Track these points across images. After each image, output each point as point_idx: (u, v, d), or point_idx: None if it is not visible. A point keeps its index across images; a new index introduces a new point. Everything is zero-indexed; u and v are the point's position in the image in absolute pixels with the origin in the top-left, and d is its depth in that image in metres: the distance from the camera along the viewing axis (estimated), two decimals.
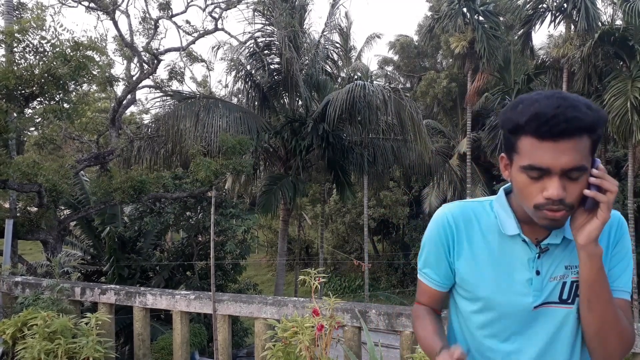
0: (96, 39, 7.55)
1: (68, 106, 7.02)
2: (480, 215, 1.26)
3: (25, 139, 12.15)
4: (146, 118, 20.51)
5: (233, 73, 14.74)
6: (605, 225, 1.08)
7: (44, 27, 6.74)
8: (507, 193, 1.25)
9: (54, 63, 6.61)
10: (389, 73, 28.83)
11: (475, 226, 1.26)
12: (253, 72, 15.08)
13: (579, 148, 1.02)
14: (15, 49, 6.75)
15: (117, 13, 10.94)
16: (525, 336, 1.23)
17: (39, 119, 8.37)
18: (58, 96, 6.99)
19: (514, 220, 1.20)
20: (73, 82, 7.09)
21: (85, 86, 10.59)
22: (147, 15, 11.94)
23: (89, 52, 7.02)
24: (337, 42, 18.77)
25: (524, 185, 1.09)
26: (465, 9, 18.83)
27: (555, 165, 1.03)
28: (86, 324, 4.08)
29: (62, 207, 10.82)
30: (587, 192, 1.06)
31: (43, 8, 8.18)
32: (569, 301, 1.19)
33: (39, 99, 7.02)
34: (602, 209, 1.06)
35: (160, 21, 11.86)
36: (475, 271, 1.25)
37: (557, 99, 1.03)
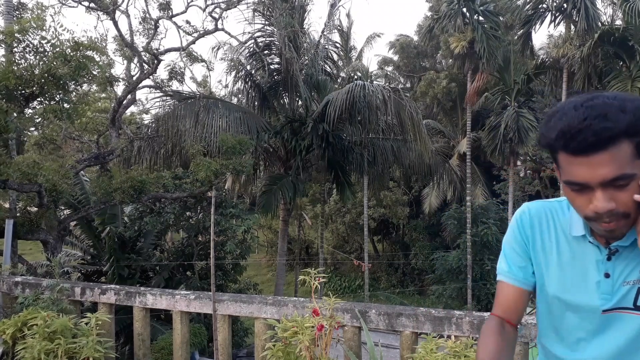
0: (96, 39, 7.58)
1: (68, 106, 7.02)
2: (556, 215, 1.25)
3: (25, 139, 12.16)
4: (146, 118, 20.53)
5: (233, 73, 14.76)
6: None
7: (44, 27, 6.73)
8: None
9: (54, 63, 6.61)
10: (389, 73, 28.84)
11: (550, 225, 1.25)
12: (253, 72, 15.09)
13: (617, 157, 0.97)
14: (15, 49, 6.75)
15: (117, 13, 10.94)
16: (594, 344, 1.17)
17: (39, 119, 8.39)
18: (58, 96, 6.99)
19: (581, 221, 1.16)
20: (73, 82, 7.09)
21: (85, 86, 10.60)
22: (147, 15, 11.93)
23: (89, 52, 7.01)
24: (337, 42, 18.80)
25: (571, 198, 1.08)
26: (465, 9, 18.83)
27: (592, 179, 0.99)
28: (86, 324, 4.09)
29: (62, 207, 10.82)
30: (637, 197, 1.01)
31: (43, 8, 8.17)
32: None
33: (39, 99, 7.02)
34: None
35: (160, 21, 11.85)
36: (546, 270, 1.23)
37: (585, 109, 0.98)
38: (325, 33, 16.01)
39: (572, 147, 0.98)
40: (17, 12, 8.81)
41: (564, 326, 1.21)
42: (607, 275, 1.14)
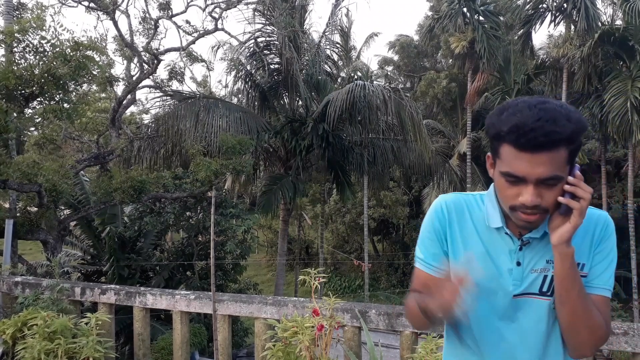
0: (96, 39, 7.57)
1: (68, 106, 7.02)
2: (472, 207, 1.34)
3: (25, 139, 12.16)
4: (146, 118, 20.52)
5: (233, 73, 14.76)
6: (578, 228, 1.15)
7: (44, 27, 6.73)
8: None
9: (54, 63, 6.61)
10: (389, 73, 28.83)
11: (467, 217, 1.33)
12: (253, 72, 15.09)
13: (556, 159, 1.09)
14: (15, 49, 6.75)
15: (117, 13, 10.93)
16: (506, 325, 1.30)
17: (39, 119, 8.39)
18: (58, 96, 6.99)
19: (498, 214, 1.27)
20: (73, 82, 7.09)
21: (85, 86, 10.59)
22: (147, 15, 11.93)
23: (89, 52, 7.02)
24: (338, 42, 18.78)
25: (502, 187, 1.18)
26: (465, 9, 18.84)
27: (531, 175, 1.10)
28: (86, 324, 4.08)
29: (62, 207, 10.82)
30: (561, 199, 1.13)
31: (43, 8, 8.17)
32: (548, 293, 1.26)
33: (39, 99, 7.02)
34: (574, 215, 1.14)
35: (160, 21, 11.85)
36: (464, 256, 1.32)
37: (538, 110, 1.08)
38: (326, 33, 16.01)
39: (521, 142, 1.08)
40: (17, 12, 8.81)
41: (478, 311, 1.29)
42: (518, 264, 1.27)
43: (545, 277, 1.26)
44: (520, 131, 1.07)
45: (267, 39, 14.68)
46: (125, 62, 13.69)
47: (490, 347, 1.32)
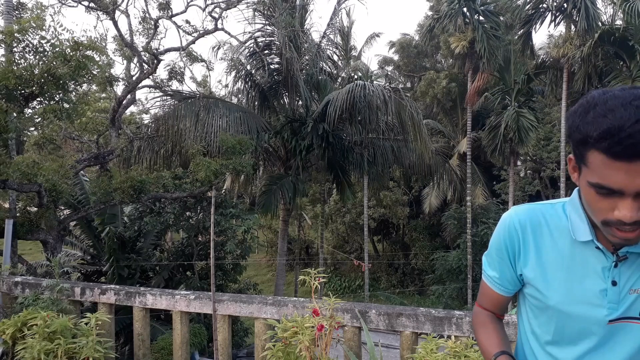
0: (96, 39, 7.55)
1: (68, 106, 7.02)
2: (550, 219, 1.17)
3: (25, 139, 12.14)
4: (146, 118, 20.52)
5: (233, 73, 14.76)
6: None
7: (44, 27, 6.74)
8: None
9: (54, 63, 6.61)
10: (389, 73, 28.84)
11: (544, 230, 1.16)
12: (253, 72, 15.09)
13: None
14: (15, 49, 6.75)
15: (117, 13, 10.94)
16: (599, 355, 1.12)
17: (39, 119, 8.38)
18: (58, 96, 6.99)
19: (587, 225, 1.08)
20: (73, 82, 7.09)
21: (85, 86, 10.59)
22: (147, 15, 11.94)
23: (89, 52, 7.01)
24: (338, 43, 18.79)
25: (592, 200, 0.99)
26: (465, 9, 18.83)
27: (629, 187, 0.91)
28: (86, 324, 4.08)
29: (62, 207, 10.81)
30: None
31: (43, 8, 8.18)
32: None
33: (38, 99, 7.01)
34: None
35: (160, 21, 11.86)
36: (544, 279, 1.16)
37: (635, 109, 0.89)
38: (328, 33, 16.01)
39: (616, 150, 0.89)
40: (16, 12, 8.81)
41: (567, 337, 1.15)
42: (614, 283, 1.08)
43: None
44: (615, 138, 0.88)
45: (267, 39, 14.69)
46: (125, 62, 13.71)
47: None
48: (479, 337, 1.33)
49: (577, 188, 1.11)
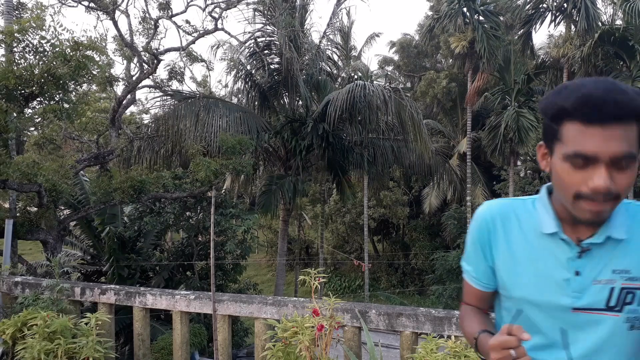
0: (96, 39, 7.53)
1: (68, 106, 7.02)
2: (521, 213, 1.21)
3: (25, 139, 12.15)
4: (146, 118, 20.52)
5: (233, 73, 14.77)
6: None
7: (44, 27, 6.73)
8: (550, 192, 1.18)
9: (54, 63, 6.61)
10: (389, 73, 28.84)
11: (514, 224, 1.21)
12: (253, 72, 15.09)
13: (629, 135, 0.97)
14: (15, 49, 6.74)
15: (117, 13, 10.93)
16: (571, 344, 1.16)
17: (39, 119, 8.38)
18: (58, 96, 6.99)
19: (552, 218, 1.14)
20: (73, 82, 7.09)
21: (85, 86, 10.59)
22: (147, 15, 11.94)
23: (89, 52, 7.01)
24: (338, 43, 18.79)
25: (566, 174, 1.02)
26: (465, 9, 18.83)
27: (603, 152, 0.97)
28: (86, 324, 4.08)
29: (62, 207, 10.81)
30: None
31: (43, 8, 8.17)
32: (617, 309, 1.10)
33: (38, 99, 7.01)
34: None
35: (160, 21, 11.85)
36: (513, 271, 1.20)
37: (605, 82, 0.98)
38: (327, 33, 16.01)
39: (591, 115, 0.96)
40: (16, 12, 8.81)
41: (535, 326, 1.18)
42: (577, 273, 1.12)
43: (612, 289, 1.10)
44: (589, 102, 0.96)
45: (267, 38, 14.69)
46: (125, 62, 13.70)
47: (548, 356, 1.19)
48: (463, 328, 1.34)
49: (545, 185, 1.19)
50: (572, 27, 16.99)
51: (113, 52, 14.12)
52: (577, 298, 1.12)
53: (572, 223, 1.12)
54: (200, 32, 12.15)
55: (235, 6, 12.40)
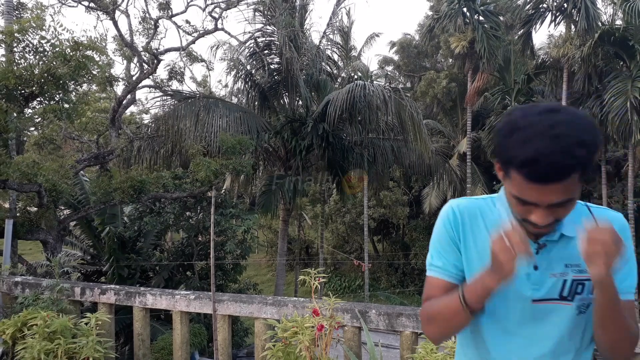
0: (96, 39, 7.53)
1: (68, 106, 7.01)
2: (484, 212, 1.30)
3: (25, 139, 12.15)
4: (146, 118, 20.53)
5: (233, 73, 14.75)
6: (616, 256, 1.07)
7: (44, 27, 6.73)
8: None
9: (54, 63, 6.61)
10: (389, 73, 28.84)
11: (480, 221, 1.29)
12: (253, 72, 15.08)
13: (568, 186, 1.05)
14: (15, 49, 6.74)
15: (117, 13, 10.94)
16: (526, 331, 1.26)
17: (39, 119, 8.38)
18: (58, 96, 6.98)
19: (511, 217, 1.23)
20: (73, 81, 7.08)
21: (85, 86, 10.59)
22: (147, 15, 11.95)
23: (89, 52, 7.01)
24: (338, 43, 18.78)
25: (513, 203, 1.14)
26: (465, 9, 18.84)
27: (542, 202, 1.07)
28: (86, 324, 4.08)
29: (62, 207, 10.81)
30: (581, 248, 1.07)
31: (43, 8, 8.18)
32: (569, 298, 1.23)
33: (38, 99, 7.01)
34: (596, 263, 1.06)
35: (160, 21, 11.86)
36: (481, 264, 1.25)
37: (550, 139, 1.02)
38: (327, 33, 16.00)
39: (532, 176, 1.04)
40: (16, 12, 8.81)
41: (500, 319, 1.27)
42: (535, 268, 1.23)
43: (565, 281, 1.23)
44: (532, 167, 1.03)
45: (267, 38, 14.67)
46: (125, 62, 13.71)
47: (505, 351, 1.28)
48: (436, 308, 1.28)
49: (503, 186, 1.24)
50: (572, 27, 16.98)
51: (113, 52, 14.14)
52: (536, 290, 1.23)
53: None
54: (200, 32, 12.16)
55: (235, 6, 12.41)
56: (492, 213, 1.29)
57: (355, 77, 19.34)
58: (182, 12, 12.66)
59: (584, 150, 1.03)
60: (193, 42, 12.39)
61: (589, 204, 1.30)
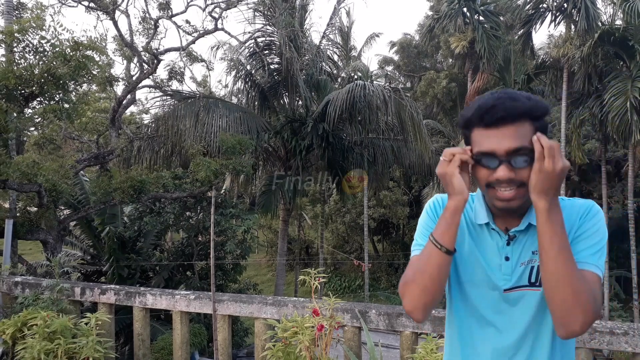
0: (96, 39, 7.53)
1: (68, 106, 7.01)
2: (465, 207, 1.34)
3: (25, 139, 12.15)
4: (146, 118, 20.52)
5: (233, 73, 14.74)
6: (548, 174, 1.13)
7: (44, 27, 6.73)
8: None
9: (54, 63, 6.61)
10: (389, 73, 28.84)
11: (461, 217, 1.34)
12: (253, 72, 15.08)
13: (521, 132, 1.17)
14: (15, 49, 6.74)
15: (117, 13, 10.93)
16: (502, 321, 1.33)
17: (39, 119, 8.38)
18: (58, 96, 6.98)
19: (485, 211, 1.33)
20: (73, 81, 7.08)
21: (85, 86, 10.59)
22: (147, 15, 11.94)
23: (89, 52, 7.01)
24: (338, 42, 18.77)
25: (478, 173, 1.24)
26: (465, 9, 18.85)
27: (499, 148, 1.17)
28: (86, 324, 4.08)
29: (62, 207, 10.81)
30: (534, 140, 1.16)
31: (43, 8, 8.17)
32: (537, 284, 1.28)
33: (38, 99, 7.01)
34: (536, 159, 1.14)
35: (160, 21, 11.85)
36: (460, 257, 1.36)
37: (499, 93, 1.21)
38: (327, 32, 16.00)
39: (485, 119, 1.18)
40: (16, 12, 8.81)
41: (473, 307, 1.36)
42: (507, 259, 1.31)
43: (532, 267, 1.29)
44: (483, 109, 1.18)
45: (267, 39, 14.67)
46: (125, 62, 13.71)
47: (481, 340, 1.36)
48: (408, 271, 1.32)
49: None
50: (572, 27, 16.98)
51: (113, 52, 14.14)
52: (507, 280, 1.31)
53: (501, 215, 1.31)
54: (200, 32, 12.15)
55: (235, 6, 12.40)
56: (470, 208, 1.38)
57: (355, 77, 19.33)
58: (182, 12, 12.66)
59: (530, 102, 1.18)
60: (193, 42, 12.39)
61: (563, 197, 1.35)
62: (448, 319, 1.47)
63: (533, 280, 1.29)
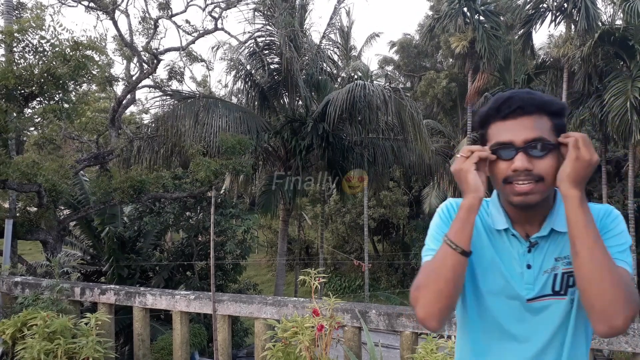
0: (96, 39, 7.53)
1: (68, 106, 7.01)
2: (480, 212, 1.29)
3: (25, 139, 12.15)
4: (146, 118, 20.52)
5: (233, 73, 14.75)
6: (580, 163, 1.12)
7: (44, 27, 6.73)
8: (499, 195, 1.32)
9: (54, 63, 6.60)
10: (389, 73, 28.83)
11: (477, 221, 1.28)
12: (253, 72, 15.07)
13: (539, 124, 1.17)
14: (14, 49, 6.74)
15: (117, 13, 10.93)
16: (524, 332, 1.26)
17: (39, 119, 8.37)
18: (58, 96, 6.98)
19: (503, 216, 1.27)
20: (73, 81, 7.08)
21: (84, 86, 10.59)
22: (146, 15, 11.94)
23: (89, 52, 7.01)
24: (338, 42, 18.77)
25: (496, 168, 1.20)
26: (465, 9, 18.83)
27: (517, 138, 1.16)
28: (86, 324, 4.08)
29: (62, 207, 10.81)
30: (560, 138, 1.17)
31: (42, 8, 8.18)
32: (562, 292, 1.23)
33: (38, 99, 7.01)
34: (569, 150, 1.13)
35: (159, 21, 11.85)
36: (480, 265, 1.28)
37: (518, 90, 1.22)
38: (327, 32, 16.00)
39: (503, 110, 1.18)
40: (16, 12, 8.81)
41: (493, 318, 1.28)
42: (528, 267, 1.25)
43: (555, 275, 1.23)
44: (499, 101, 1.20)
45: (267, 38, 14.67)
46: (125, 61, 13.71)
47: (498, 354, 1.28)
48: (421, 276, 1.26)
49: (495, 190, 1.31)
50: (572, 27, 16.98)
51: (113, 52, 14.13)
52: (530, 290, 1.24)
53: (519, 221, 1.26)
54: (200, 32, 12.15)
55: (235, 6, 12.40)
56: (485, 213, 1.33)
57: (355, 77, 19.32)
58: (182, 12, 12.68)
59: (546, 97, 1.20)
60: (193, 42, 12.38)
61: None
62: (461, 329, 1.39)
63: (557, 288, 1.22)
